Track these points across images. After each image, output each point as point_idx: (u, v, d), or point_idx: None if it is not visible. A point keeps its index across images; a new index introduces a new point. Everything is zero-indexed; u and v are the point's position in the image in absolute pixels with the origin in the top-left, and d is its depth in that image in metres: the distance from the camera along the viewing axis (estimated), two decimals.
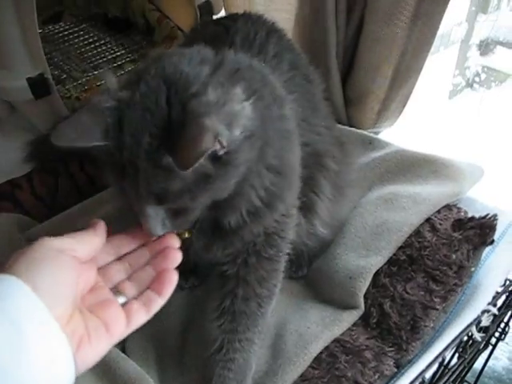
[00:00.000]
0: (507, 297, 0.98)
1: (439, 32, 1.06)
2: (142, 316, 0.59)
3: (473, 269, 0.90)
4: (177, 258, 0.63)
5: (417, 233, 0.94)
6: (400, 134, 1.43)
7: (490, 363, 1.46)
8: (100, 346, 0.53)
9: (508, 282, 0.96)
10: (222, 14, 1.48)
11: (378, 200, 1.00)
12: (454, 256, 0.89)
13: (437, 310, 0.85)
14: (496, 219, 0.93)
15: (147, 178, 0.57)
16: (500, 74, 2.64)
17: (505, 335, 1.09)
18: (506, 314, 1.05)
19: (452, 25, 2.48)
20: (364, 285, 0.88)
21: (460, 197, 1.03)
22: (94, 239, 0.58)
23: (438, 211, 0.97)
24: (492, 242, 0.92)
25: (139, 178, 0.57)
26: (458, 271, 0.88)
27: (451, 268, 0.88)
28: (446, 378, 0.94)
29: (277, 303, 0.91)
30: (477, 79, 2.65)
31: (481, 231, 0.92)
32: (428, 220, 0.96)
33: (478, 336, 0.93)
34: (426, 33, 1.06)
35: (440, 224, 0.95)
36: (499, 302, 0.96)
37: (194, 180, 0.57)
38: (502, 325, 1.07)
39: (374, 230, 0.94)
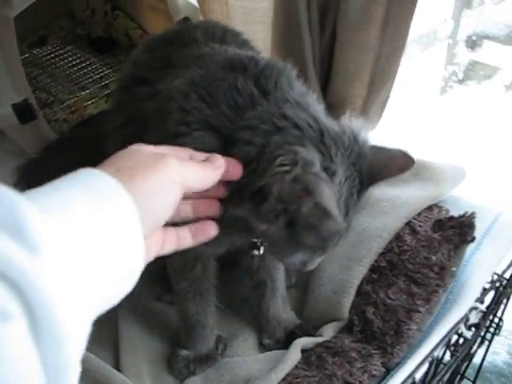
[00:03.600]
0: (496, 292, 0.97)
1: (425, 30, 1.07)
2: (171, 245, 0.58)
3: (454, 268, 0.90)
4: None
5: (397, 237, 0.94)
6: (391, 133, 1.43)
7: (490, 358, 1.47)
8: None
9: (496, 277, 0.95)
10: None
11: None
12: (434, 257, 0.89)
13: (420, 312, 0.85)
14: (474, 217, 0.93)
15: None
16: (488, 68, 2.64)
17: (499, 330, 1.09)
18: (497, 309, 1.05)
19: (437, 23, 2.49)
20: (348, 300, 0.90)
21: (441, 199, 1.03)
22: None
23: (419, 213, 0.98)
24: (473, 239, 0.93)
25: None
26: (440, 272, 0.88)
27: (432, 270, 0.89)
28: (439, 377, 0.95)
29: None
30: (466, 75, 2.66)
31: (460, 230, 0.92)
32: (408, 223, 0.96)
33: (467, 333, 0.94)
34: (398, 38, 1.07)
35: (420, 226, 0.95)
36: (489, 299, 0.96)
37: None
38: (496, 320, 1.07)
39: (355, 238, 0.93)
